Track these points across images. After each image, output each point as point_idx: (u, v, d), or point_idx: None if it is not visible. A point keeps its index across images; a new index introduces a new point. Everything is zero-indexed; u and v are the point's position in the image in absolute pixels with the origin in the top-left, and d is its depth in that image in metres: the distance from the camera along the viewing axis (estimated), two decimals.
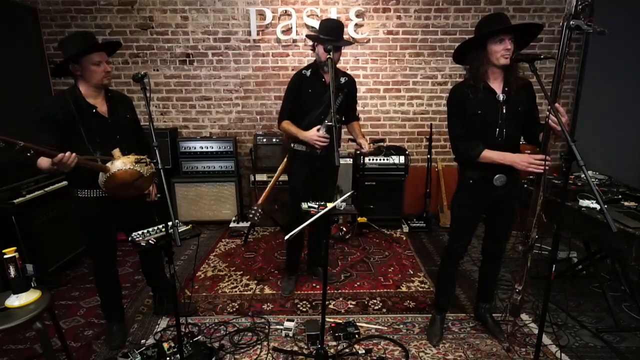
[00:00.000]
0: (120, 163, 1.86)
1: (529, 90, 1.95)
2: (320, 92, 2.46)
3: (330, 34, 2.37)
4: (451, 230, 2.19)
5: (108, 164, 1.85)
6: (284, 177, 3.62)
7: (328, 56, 2.24)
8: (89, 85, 1.91)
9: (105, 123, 1.96)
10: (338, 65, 2.55)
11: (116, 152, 1.90)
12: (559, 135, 1.74)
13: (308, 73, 2.50)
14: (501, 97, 1.90)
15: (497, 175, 1.94)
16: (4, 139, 1.50)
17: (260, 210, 3.30)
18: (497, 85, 1.92)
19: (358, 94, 4.09)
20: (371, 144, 2.62)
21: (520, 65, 1.86)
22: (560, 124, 1.58)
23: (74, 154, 1.70)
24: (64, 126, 1.84)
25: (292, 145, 2.60)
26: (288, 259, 2.85)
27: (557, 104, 1.66)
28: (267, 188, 3.35)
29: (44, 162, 1.74)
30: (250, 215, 3.29)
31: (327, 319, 2.18)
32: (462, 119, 1.97)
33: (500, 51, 1.81)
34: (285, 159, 2.86)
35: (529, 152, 3.72)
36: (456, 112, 1.99)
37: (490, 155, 1.90)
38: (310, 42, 2.58)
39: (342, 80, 2.54)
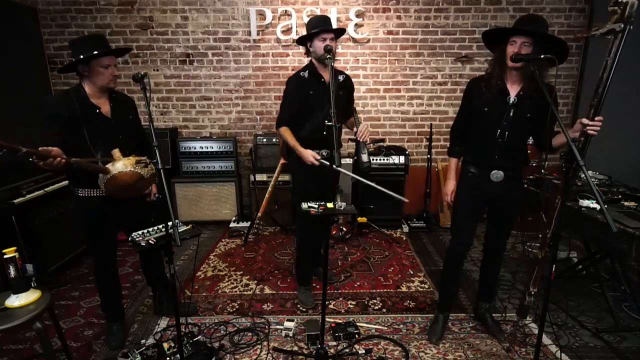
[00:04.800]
0: (121, 165, 1.85)
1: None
2: (321, 93, 2.39)
3: (319, 25, 2.31)
4: (452, 227, 2.22)
5: (108, 166, 1.84)
6: (283, 177, 3.63)
7: (328, 56, 2.21)
8: (94, 87, 1.92)
9: (108, 124, 1.97)
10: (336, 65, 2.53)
11: (116, 152, 1.90)
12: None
13: (306, 75, 2.42)
14: (511, 100, 1.89)
15: (493, 171, 1.98)
16: (7, 146, 1.50)
17: (262, 223, 3.38)
18: (514, 88, 1.90)
19: (358, 94, 4.13)
20: (371, 144, 2.61)
21: (547, 74, 1.81)
22: (561, 125, 1.56)
23: (60, 159, 1.67)
24: (69, 124, 1.84)
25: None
26: (300, 268, 2.70)
27: (598, 117, 1.62)
28: (265, 199, 3.37)
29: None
30: (256, 230, 3.36)
31: (327, 319, 2.18)
32: (466, 112, 2.05)
33: (509, 53, 1.80)
34: (279, 167, 2.83)
35: (529, 151, 3.72)
36: (465, 103, 2.07)
37: (450, 163, 2.17)
38: (302, 48, 2.52)
39: (340, 78, 2.50)
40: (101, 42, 1.91)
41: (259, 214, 3.30)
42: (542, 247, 2.08)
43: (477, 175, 2.04)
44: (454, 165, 2.16)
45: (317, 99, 2.40)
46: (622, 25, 1.49)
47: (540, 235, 2.10)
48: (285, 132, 2.44)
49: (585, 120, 1.62)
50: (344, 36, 3.93)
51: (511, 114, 1.90)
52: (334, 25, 3.81)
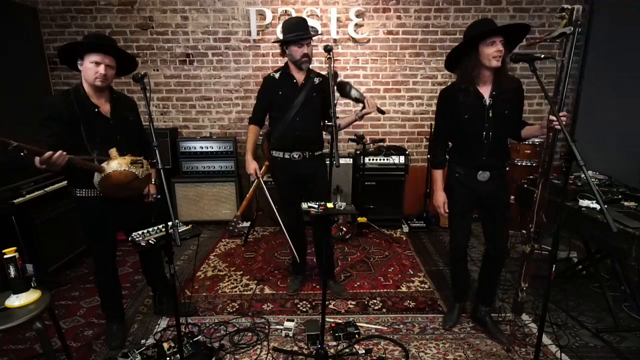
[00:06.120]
0: (116, 164, 1.85)
1: (517, 91, 2.00)
2: (291, 94, 2.41)
3: (296, 30, 2.31)
4: (449, 226, 2.29)
5: (104, 164, 1.84)
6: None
7: (328, 56, 2.20)
8: (88, 84, 1.92)
9: (107, 123, 1.97)
10: (312, 66, 2.53)
11: (113, 151, 1.90)
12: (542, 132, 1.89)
13: (277, 75, 2.46)
14: (487, 102, 1.96)
15: (479, 172, 2.05)
16: None
17: (239, 222, 3.32)
18: (485, 89, 1.96)
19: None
20: (371, 144, 2.61)
21: (510, 66, 1.91)
22: (560, 125, 1.58)
23: (64, 153, 1.67)
24: (68, 124, 1.85)
25: (271, 152, 2.57)
26: (293, 260, 2.83)
27: (562, 112, 1.71)
28: (245, 200, 3.30)
29: (38, 160, 1.73)
30: (230, 228, 3.29)
31: (327, 319, 2.18)
32: (447, 122, 2.09)
33: (492, 53, 1.84)
34: (264, 168, 2.84)
35: (528, 152, 3.72)
36: (443, 114, 2.11)
37: (436, 175, 2.20)
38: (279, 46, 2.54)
39: (317, 80, 2.46)
40: (100, 38, 1.93)
41: (238, 214, 3.27)
42: (527, 242, 2.10)
43: (464, 175, 2.10)
44: (440, 177, 2.20)
45: (287, 100, 2.42)
46: (572, 29, 1.63)
47: (524, 231, 2.13)
48: (250, 132, 2.52)
49: (551, 117, 1.72)
50: (344, 36, 3.94)
51: (490, 114, 1.96)
52: (334, 25, 3.86)
